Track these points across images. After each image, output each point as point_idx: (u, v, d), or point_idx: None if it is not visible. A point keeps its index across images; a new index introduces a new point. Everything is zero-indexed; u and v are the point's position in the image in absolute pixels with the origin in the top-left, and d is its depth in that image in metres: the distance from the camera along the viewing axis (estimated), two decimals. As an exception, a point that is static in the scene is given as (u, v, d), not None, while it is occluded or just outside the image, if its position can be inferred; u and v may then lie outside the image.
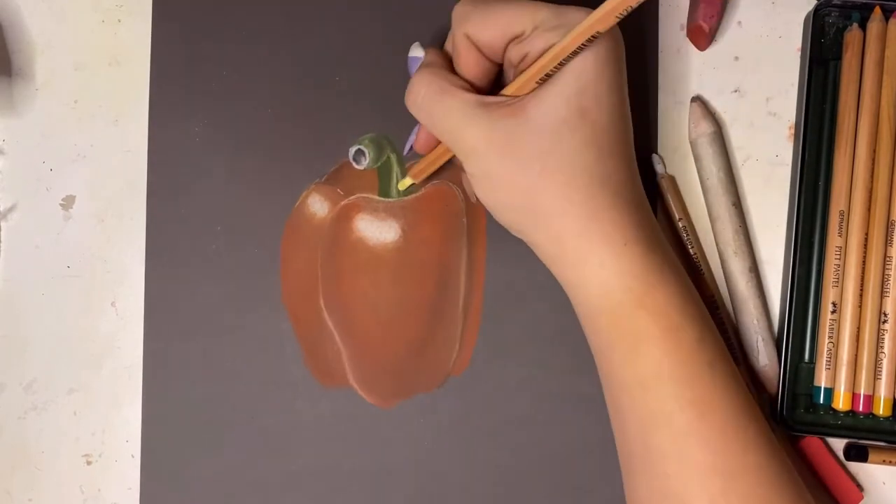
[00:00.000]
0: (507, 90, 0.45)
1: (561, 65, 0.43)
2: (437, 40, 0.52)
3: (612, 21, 0.40)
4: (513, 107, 0.44)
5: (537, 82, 0.44)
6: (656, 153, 0.53)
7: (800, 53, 0.53)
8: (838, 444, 0.52)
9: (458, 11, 0.46)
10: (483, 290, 0.53)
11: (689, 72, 0.53)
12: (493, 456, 0.52)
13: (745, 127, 0.53)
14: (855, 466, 0.52)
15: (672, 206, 0.52)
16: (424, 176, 0.51)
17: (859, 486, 0.51)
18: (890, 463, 0.51)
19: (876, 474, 0.52)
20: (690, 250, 0.52)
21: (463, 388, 0.52)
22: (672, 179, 0.52)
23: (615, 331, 0.44)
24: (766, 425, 0.45)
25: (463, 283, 0.53)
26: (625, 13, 0.39)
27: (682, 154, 0.53)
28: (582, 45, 0.42)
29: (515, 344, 0.52)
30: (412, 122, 0.51)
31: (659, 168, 0.52)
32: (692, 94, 0.53)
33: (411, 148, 0.51)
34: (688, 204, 0.53)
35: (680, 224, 0.52)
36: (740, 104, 0.53)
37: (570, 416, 0.52)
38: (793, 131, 0.53)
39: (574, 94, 0.43)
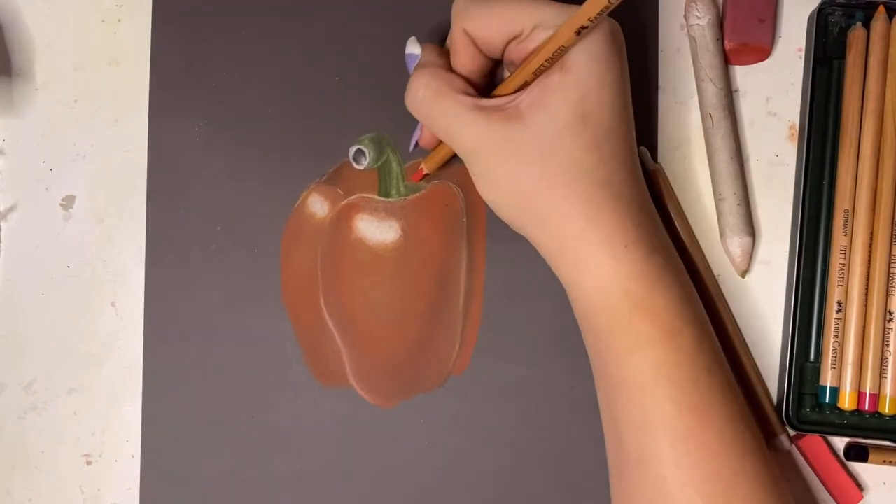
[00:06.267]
0: (501, 90, 0.45)
1: (550, 61, 0.43)
2: (437, 37, 0.52)
3: (596, 11, 0.40)
4: (508, 110, 0.44)
5: (529, 79, 0.44)
6: (641, 146, 0.52)
7: (800, 53, 0.53)
8: (840, 443, 0.52)
9: (457, 6, 0.46)
10: (483, 290, 0.52)
11: (689, 72, 0.53)
12: (493, 456, 0.52)
13: (745, 127, 0.53)
14: (855, 466, 0.52)
15: (663, 197, 0.52)
16: (440, 163, 0.51)
17: (859, 486, 0.51)
18: (890, 463, 0.50)
19: (876, 474, 0.52)
20: (685, 241, 0.52)
21: (463, 388, 0.52)
22: (660, 171, 0.52)
23: (613, 332, 0.44)
24: (759, 432, 0.45)
25: (463, 282, 0.52)
26: (610, 6, 0.39)
27: (682, 153, 0.53)
28: (574, 39, 0.41)
29: (515, 344, 0.52)
30: (412, 122, 0.51)
31: (647, 160, 0.52)
32: (692, 95, 0.53)
33: (416, 143, 0.51)
34: (681, 198, 0.52)
35: (671, 214, 0.52)
36: (740, 104, 0.53)
37: (570, 416, 0.52)
38: (793, 131, 0.53)
39: (576, 100, 0.43)
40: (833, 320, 0.50)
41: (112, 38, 0.53)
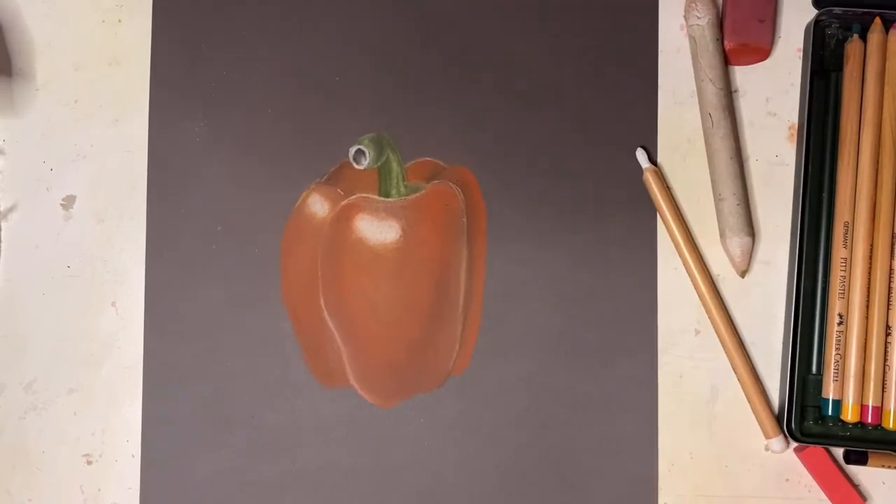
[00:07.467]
0: None
1: None
2: (435, 38, 0.52)
3: None
4: None
5: None
6: (641, 147, 0.52)
7: (799, 54, 0.53)
8: (840, 450, 0.52)
9: None
10: (483, 290, 0.52)
11: (689, 72, 0.53)
12: (493, 456, 0.52)
13: (745, 127, 0.53)
14: (853, 468, 0.52)
15: (658, 197, 0.52)
16: None
17: (862, 496, 0.51)
18: (889, 467, 0.50)
19: (875, 474, 0.52)
20: (679, 241, 0.52)
21: (463, 387, 0.52)
22: (656, 171, 0.52)
23: None
24: None
25: (463, 282, 0.52)
26: None
27: (682, 153, 0.53)
28: None
29: (515, 344, 0.52)
30: (412, 122, 0.51)
31: (643, 161, 0.52)
32: (692, 95, 0.53)
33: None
34: (681, 198, 0.53)
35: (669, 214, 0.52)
36: (740, 104, 0.53)
37: (570, 416, 0.52)
38: (792, 132, 0.53)
39: None
40: (834, 333, 0.50)
41: (112, 38, 0.53)
